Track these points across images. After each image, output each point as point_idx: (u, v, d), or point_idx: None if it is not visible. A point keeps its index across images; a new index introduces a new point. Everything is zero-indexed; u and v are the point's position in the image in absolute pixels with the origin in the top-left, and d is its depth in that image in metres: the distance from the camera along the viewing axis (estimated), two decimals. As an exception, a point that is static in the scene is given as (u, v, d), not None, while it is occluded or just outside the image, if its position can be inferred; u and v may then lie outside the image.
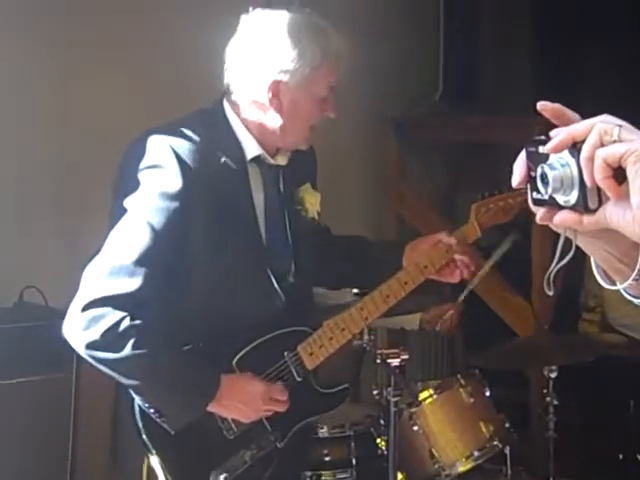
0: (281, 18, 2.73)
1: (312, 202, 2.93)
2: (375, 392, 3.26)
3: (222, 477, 2.69)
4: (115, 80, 4.28)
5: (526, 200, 3.14)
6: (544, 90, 5.28)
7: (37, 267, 3.95)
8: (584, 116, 1.26)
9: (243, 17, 2.76)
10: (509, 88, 5.52)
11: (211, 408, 2.69)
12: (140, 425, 2.69)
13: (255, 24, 2.75)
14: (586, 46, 5.32)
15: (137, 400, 2.69)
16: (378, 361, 3.04)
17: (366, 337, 3.14)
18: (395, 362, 3.01)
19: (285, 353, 2.82)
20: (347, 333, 2.86)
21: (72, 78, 4.24)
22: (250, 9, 2.76)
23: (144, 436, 2.69)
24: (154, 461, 2.69)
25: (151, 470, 2.72)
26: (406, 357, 3.00)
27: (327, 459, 3.63)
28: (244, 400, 2.70)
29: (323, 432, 3.65)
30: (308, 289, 2.96)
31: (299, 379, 2.83)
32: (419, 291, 2.95)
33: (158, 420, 2.67)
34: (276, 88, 2.71)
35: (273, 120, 2.75)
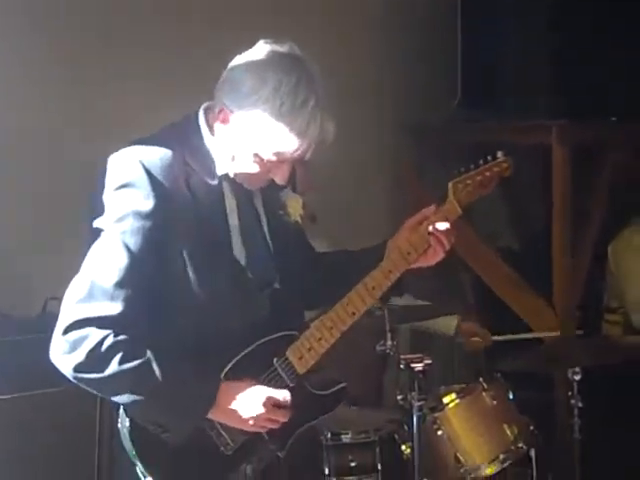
0: (275, 72, 2.53)
1: (294, 206, 2.83)
2: (399, 397, 3.25)
3: None
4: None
5: (504, 169, 2.92)
6: (562, 94, 5.27)
7: (61, 278, 3.95)
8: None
9: (260, 41, 2.62)
10: (528, 95, 5.51)
11: (214, 415, 2.59)
12: (132, 449, 2.60)
13: (254, 55, 2.59)
14: (605, 50, 5.30)
15: (126, 420, 2.60)
16: (402, 366, 3.03)
17: (389, 342, 3.13)
18: (419, 367, 3.00)
19: (274, 360, 2.71)
20: (335, 332, 2.72)
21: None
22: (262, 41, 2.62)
23: (137, 460, 2.60)
24: None
25: None
26: (429, 362, 3.00)
27: (352, 464, 3.63)
28: (245, 404, 2.60)
29: (347, 438, 3.66)
30: (295, 292, 2.81)
31: (291, 385, 2.71)
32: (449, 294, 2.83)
33: (160, 434, 2.58)
34: (225, 118, 2.60)
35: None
